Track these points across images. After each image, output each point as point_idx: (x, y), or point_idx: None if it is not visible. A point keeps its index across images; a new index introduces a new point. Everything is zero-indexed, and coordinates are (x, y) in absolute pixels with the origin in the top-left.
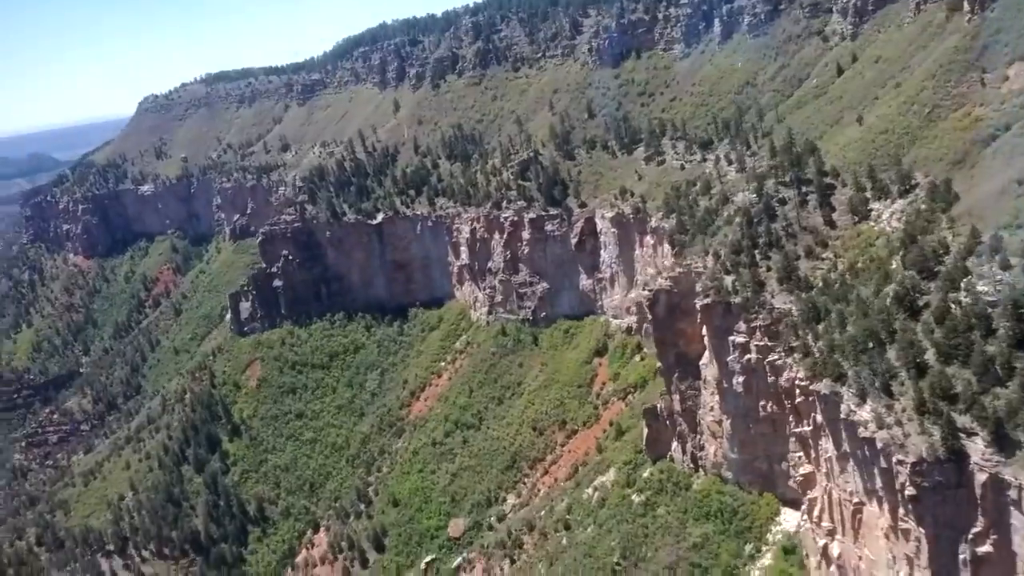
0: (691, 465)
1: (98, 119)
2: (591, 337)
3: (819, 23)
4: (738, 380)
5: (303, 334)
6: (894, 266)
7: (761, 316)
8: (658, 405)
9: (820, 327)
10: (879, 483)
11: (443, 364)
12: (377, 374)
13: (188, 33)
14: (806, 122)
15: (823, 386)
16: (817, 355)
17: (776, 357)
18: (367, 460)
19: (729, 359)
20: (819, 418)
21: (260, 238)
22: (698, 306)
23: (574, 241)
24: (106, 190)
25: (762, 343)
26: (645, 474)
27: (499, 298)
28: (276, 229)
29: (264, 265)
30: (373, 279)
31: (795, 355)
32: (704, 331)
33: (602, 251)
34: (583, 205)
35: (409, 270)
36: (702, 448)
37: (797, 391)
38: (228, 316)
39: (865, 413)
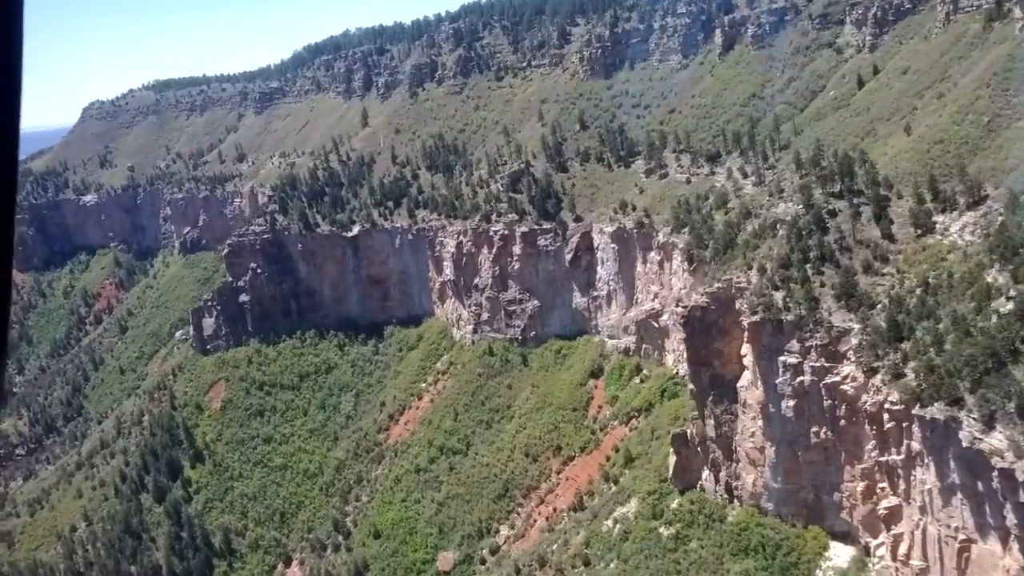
0: (725, 495)
1: (38, 127)
2: (585, 358)
3: (830, 35)
4: (788, 404)
5: (271, 353)
6: (992, 280)
7: (818, 335)
8: (688, 431)
9: (905, 346)
10: (1012, 519)
11: (424, 385)
12: (352, 396)
13: (136, 39)
14: (830, 134)
15: (934, 411)
16: (914, 377)
17: (836, 379)
18: (343, 488)
19: (778, 381)
20: (916, 446)
21: (226, 250)
22: (745, 324)
23: (568, 257)
24: (44, 200)
25: (818, 364)
26: (673, 505)
27: (485, 316)
28: (244, 240)
29: (230, 279)
30: (346, 295)
31: (881, 376)
32: (747, 351)
33: (598, 267)
34: (578, 219)
35: (385, 286)
36: (738, 477)
37: (886, 416)
38: (179, 334)
39: (996, 440)
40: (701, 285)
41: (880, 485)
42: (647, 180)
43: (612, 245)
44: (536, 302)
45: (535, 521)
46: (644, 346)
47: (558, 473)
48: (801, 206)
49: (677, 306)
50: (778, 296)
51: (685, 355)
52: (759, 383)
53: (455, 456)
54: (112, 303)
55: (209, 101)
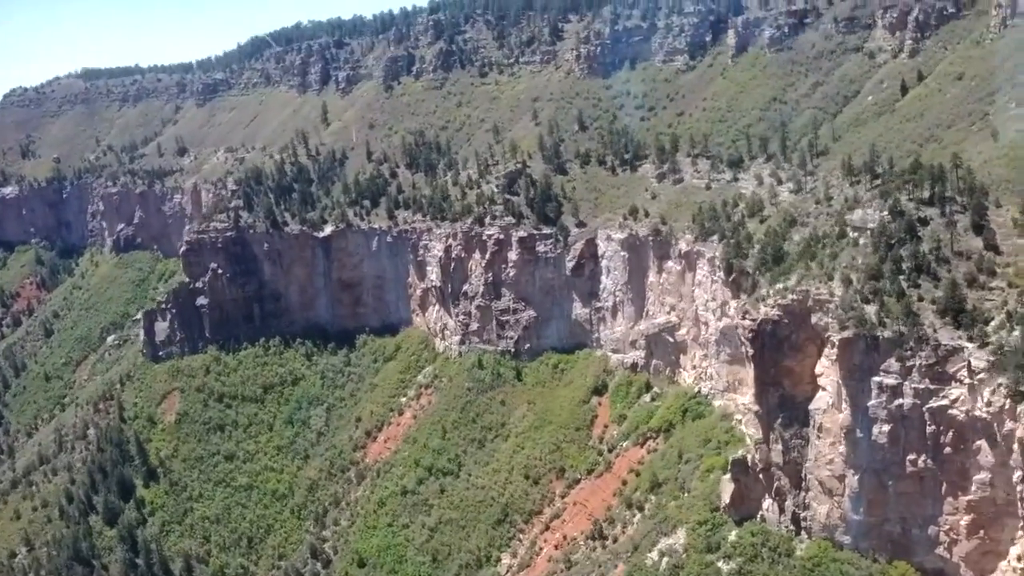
0: (791, 527)
1: None
2: (587, 373)
3: (856, 39)
4: (880, 429)
5: (231, 361)
6: None
7: (922, 354)
8: (748, 456)
9: None
10: None
11: (404, 400)
12: (322, 410)
13: (63, 23)
14: (880, 139)
15: None
16: None
17: (944, 402)
18: (318, 511)
19: (870, 404)
20: None
21: (184, 247)
22: (831, 340)
23: (570, 264)
24: None
25: (922, 385)
26: (731, 537)
27: (475, 326)
28: (204, 238)
29: (187, 279)
30: (315, 300)
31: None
32: (825, 369)
33: (603, 276)
34: (581, 224)
35: (358, 291)
36: (807, 507)
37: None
38: (111, 338)
39: None
40: (741, 297)
41: (961, 519)
42: (659, 185)
43: (622, 253)
44: (532, 312)
45: (541, 549)
46: (654, 362)
47: (563, 497)
48: (886, 213)
49: (744, 318)
50: (870, 310)
51: (752, 374)
52: (844, 405)
53: (446, 477)
54: (33, 304)
55: (143, 91)
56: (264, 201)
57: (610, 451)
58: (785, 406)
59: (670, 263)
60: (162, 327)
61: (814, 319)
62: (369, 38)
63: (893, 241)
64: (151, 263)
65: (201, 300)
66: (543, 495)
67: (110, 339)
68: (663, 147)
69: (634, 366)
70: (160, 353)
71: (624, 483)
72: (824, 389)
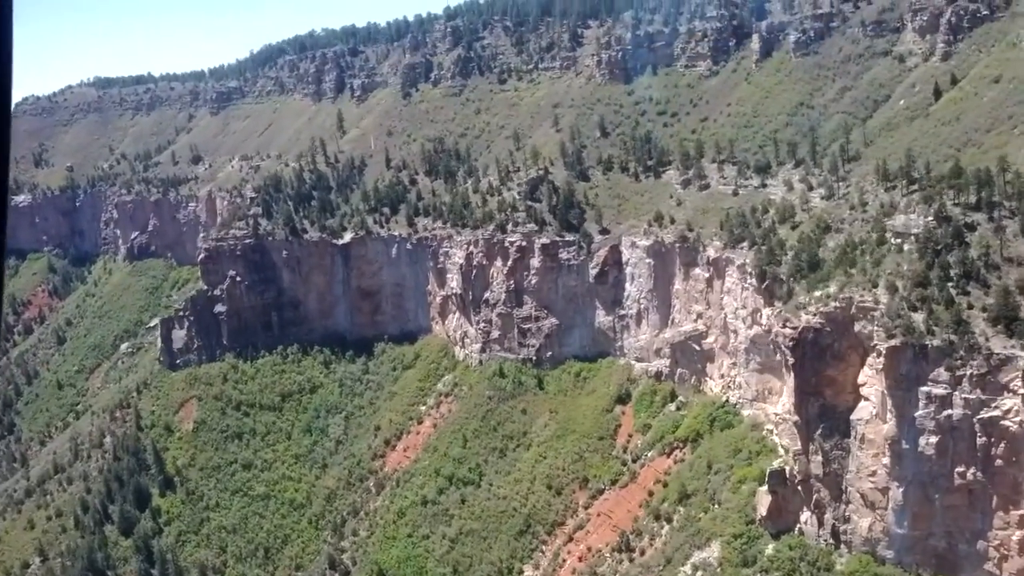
0: (830, 540)
1: None
2: (610, 382)
3: (885, 43)
4: (927, 440)
5: (249, 369)
6: None
7: (973, 363)
8: (787, 467)
9: None
10: None
11: (424, 409)
12: (341, 419)
13: (76, 32)
14: (915, 144)
15: None
16: None
17: (996, 413)
18: (336, 521)
19: (917, 414)
20: None
21: (202, 255)
22: (880, 349)
23: (594, 272)
24: None
25: (973, 396)
26: (768, 550)
27: (496, 334)
28: (223, 245)
29: (205, 287)
30: (333, 308)
31: None
32: (868, 379)
33: (627, 284)
34: (605, 231)
35: (377, 299)
36: (848, 520)
37: None
38: (124, 346)
39: None
40: (775, 305)
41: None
42: (684, 191)
43: (647, 260)
44: (554, 320)
45: (564, 561)
46: (679, 370)
47: (586, 508)
48: (931, 218)
49: (784, 326)
50: (918, 318)
51: (791, 383)
52: (889, 416)
53: (467, 487)
54: (45, 312)
55: (157, 100)
56: (283, 208)
57: (634, 461)
58: (826, 416)
59: (697, 270)
60: (179, 335)
61: (857, 327)
62: (384, 45)
63: (940, 247)
64: (165, 271)
65: (219, 308)
66: (566, 505)
67: (123, 347)
68: (687, 153)
69: (658, 375)
70: (177, 361)
71: (650, 494)
72: (867, 399)
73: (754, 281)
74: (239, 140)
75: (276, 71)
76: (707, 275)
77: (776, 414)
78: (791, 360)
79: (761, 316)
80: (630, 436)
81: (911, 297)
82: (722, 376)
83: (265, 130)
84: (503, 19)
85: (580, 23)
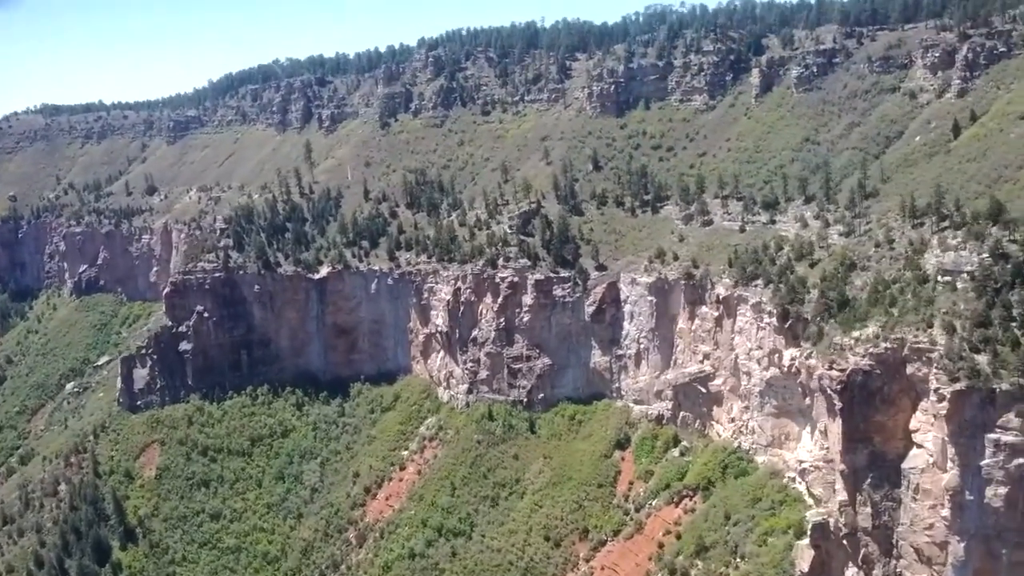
0: None
1: None
2: (607, 426)
3: (893, 79)
4: (996, 491)
5: (215, 411)
6: None
7: None
8: (831, 520)
9: None
10: None
11: (406, 454)
12: (316, 464)
13: (22, 58)
14: (938, 180)
15: None
16: None
17: None
18: (313, 575)
19: (985, 463)
20: None
21: (167, 289)
22: (944, 393)
23: (590, 309)
24: None
25: None
26: None
27: (484, 374)
28: (191, 279)
29: (169, 323)
30: (306, 346)
31: None
32: (922, 425)
33: (625, 323)
34: (602, 267)
35: (353, 336)
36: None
37: None
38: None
39: None
40: (803, 345)
41: None
42: (686, 227)
43: (648, 298)
44: (547, 360)
45: None
46: (683, 414)
47: (588, 561)
48: (986, 255)
49: (829, 368)
50: (982, 360)
51: (837, 429)
52: (950, 464)
53: (457, 539)
54: None
55: (108, 128)
56: (256, 240)
57: (638, 510)
58: (875, 465)
59: (704, 309)
60: (141, 374)
61: (910, 369)
62: (354, 76)
63: (999, 285)
64: (114, 306)
65: (184, 345)
66: (566, 558)
67: (69, 386)
68: (687, 188)
69: (659, 418)
70: (138, 402)
71: (661, 546)
72: (921, 446)
73: (774, 320)
74: (197, 170)
75: (237, 100)
76: (716, 314)
77: (801, 461)
78: (838, 405)
79: (782, 357)
80: (631, 483)
81: (972, 338)
82: (732, 420)
83: (226, 160)
84: (486, 50)
85: (568, 55)
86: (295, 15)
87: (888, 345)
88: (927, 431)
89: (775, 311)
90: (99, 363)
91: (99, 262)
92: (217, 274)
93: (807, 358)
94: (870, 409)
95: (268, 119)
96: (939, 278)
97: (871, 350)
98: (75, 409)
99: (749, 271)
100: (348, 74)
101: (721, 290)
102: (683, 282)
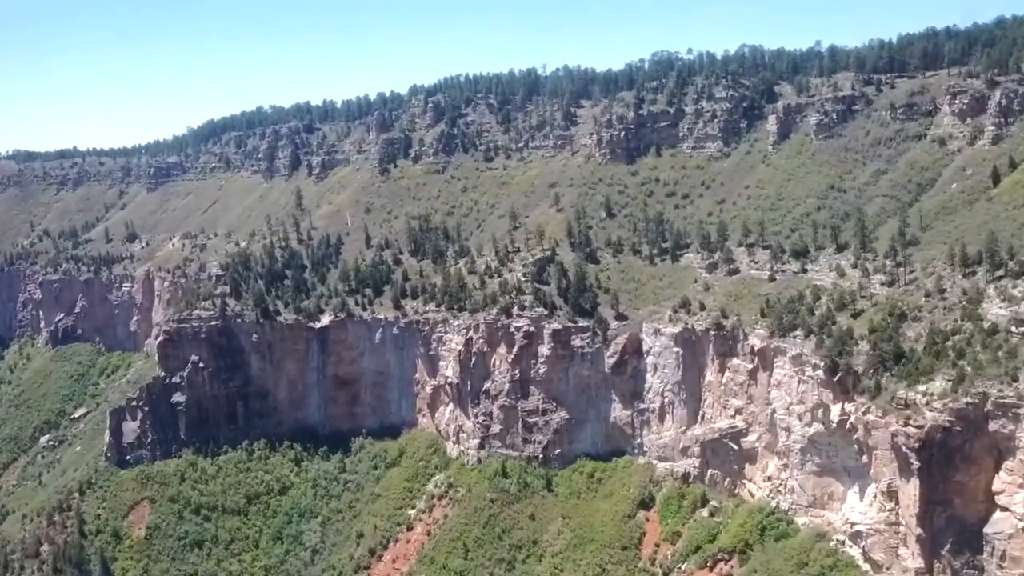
0: None
1: None
2: (630, 484)
3: (918, 126)
4: None
5: (209, 467)
6: None
7: None
8: None
9: None
10: None
11: (414, 513)
12: (317, 524)
13: None
14: (982, 228)
15: None
16: None
17: None
18: None
19: None
20: None
21: (160, 337)
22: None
23: (611, 361)
24: None
25: None
26: None
27: (497, 428)
28: (185, 327)
29: (162, 373)
30: (305, 398)
31: None
32: (1009, 486)
33: (648, 375)
34: (622, 317)
35: (355, 388)
36: None
37: None
38: (44, 439)
39: None
40: (857, 400)
41: None
42: (711, 276)
43: (674, 349)
44: (564, 414)
45: None
46: (711, 471)
47: None
48: None
49: (905, 424)
50: None
51: (913, 491)
52: None
53: None
54: None
55: (85, 175)
56: (254, 288)
57: (667, 574)
58: (955, 529)
59: (736, 361)
60: (130, 427)
61: (993, 426)
62: (344, 123)
63: None
64: (92, 356)
65: (177, 397)
66: None
67: (43, 439)
68: (707, 236)
69: (686, 476)
70: (127, 457)
71: None
72: (1006, 509)
73: (820, 373)
74: (179, 217)
75: (221, 147)
76: (750, 366)
77: (851, 523)
78: (915, 464)
79: (829, 412)
80: (658, 546)
81: None
82: (768, 479)
83: (210, 207)
84: (487, 97)
85: (573, 102)
86: (279, 63)
87: (969, 400)
88: (1013, 493)
89: (821, 363)
90: (76, 415)
91: (76, 310)
92: (213, 322)
93: (864, 413)
94: (950, 469)
95: (254, 166)
96: (1013, 328)
97: (950, 405)
98: (50, 463)
99: (786, 321)
100: (337, 121)
101: (756, 341)
102: (712, 333)
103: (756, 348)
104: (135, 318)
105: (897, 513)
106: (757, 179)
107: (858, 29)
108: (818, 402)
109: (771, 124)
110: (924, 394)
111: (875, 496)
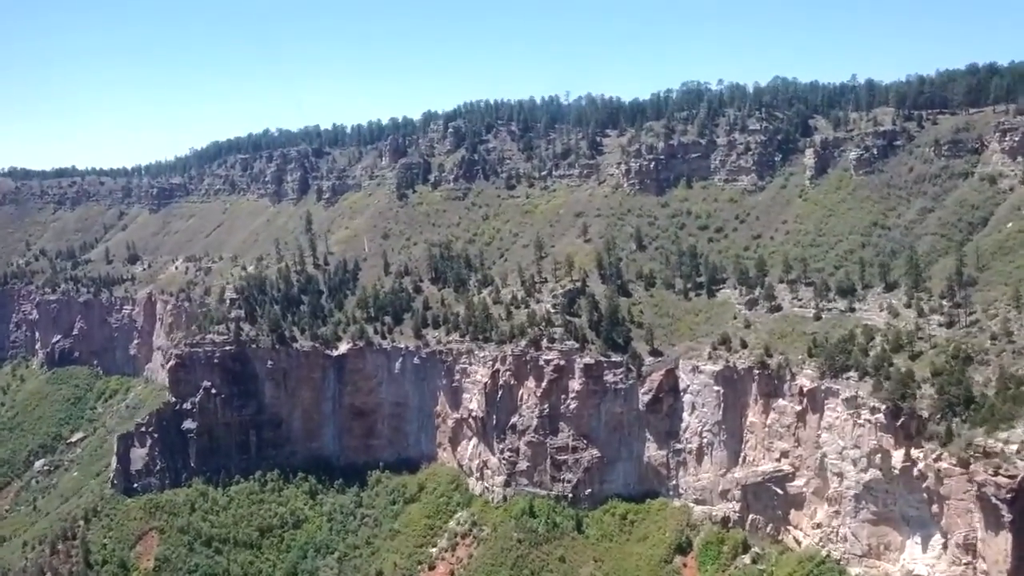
0: None
1: None
2: (665, 527)
3: (964, 163)
4: None
5: (220, 497)
6: None
7: None
8: None
9: None
10: None
11: (435, 551)
12: (333, 560)
13: None
14: None
15: None
16: None
17: None
18: None
19: None
20: None
21: (172, 361)
22: None
23: (645, 398)
24: None
25: None
26: None
27: (524, 465)
28: (198, 352)
29: (172, 399)
30: (320, 428)
31: None
32: None
33: (685, 414)
34: (657, 353)
35: (372, 419)
36: None
37: None
38: (39, 464)
39: None
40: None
41: None
42: (751, 313)
43: (715, 388)
44: (595, 452)
45: None
46: (752, 516)
47: None
48: None
49: (996, 475)
50: None
51: (1003, 544)
52: None
53: None
54: None
55: (83, 194)
56: (270, 313)
57: None
58: None
59: (782, 402)
60: (139, 454)
61: None
62: (355, 148)
63: None
64: (89, 380)
65: (188, 424)
66: None
67: (38, 464)
68: (745, 271)
69: (725, 521)
70: (135, 485)
71: None
72: None
73: (880, 417)
74: (182, 240)
75: (226, 169)
76: (798, 408)
77: (914, 575)
78: (1007, 516)
79: (889, 458)
80: None
81: None
82: (818, 526)
83: (214, 230)
84: (508, 123)
85: (598, 131)
86: (286, 87)
87: None
88: None
89: (882, 407)
90: (72, 440)
91: (75, 332)
92: (227, 347)
93: (936, 460)
94: None
95: (261, 189)
96: None
97: None
98: (45, 489)
99: (838, 362)
100: (347, 146)
101: (805, 382)
102: (756, 372)
103: (805, 389)
104: (135, 342)
105: (975, 567)
106: (795, 214)
107: (891, 64)
108: (877, 447)
109: (808, 158)
110: (1005, 442)
111: (944, 548)
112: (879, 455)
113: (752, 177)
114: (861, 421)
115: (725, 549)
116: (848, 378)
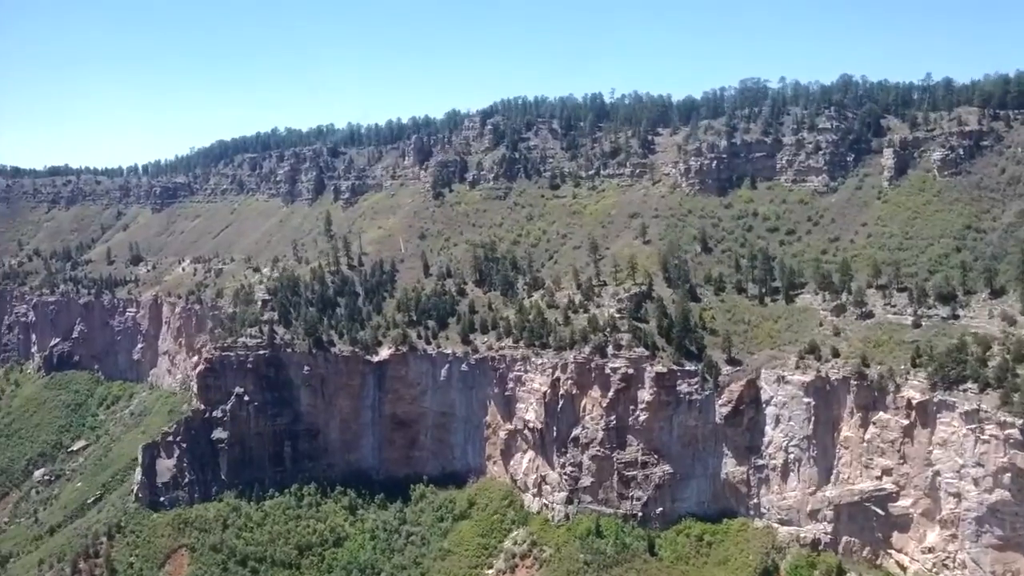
0: None
1: None
2: (747, 550)
3: None
4: None
5: (255, 513)
6: None
7: None
8: None
9: None
10: None
11: (492, 573)
12: None
13: None
14: None
15: None
16: None
17: None
18: None
19: None
20: None
21: (201, 366)
22: None
23: (723, 410)
24: None
25: None
26: None
27: (588, 481)
28: (229, 356)
29: (201, 406)
30: (359, 439)
31: None
32: None
33: (768, 427)
34: (734, 361)
35: (414, 430)
36: None
37: None
38: (38, 473)
39: None
40: None
41: None
42: (839, 320)
43: (804, 399)
44: (667, 467)
45: None
46: (846, 538)
47: None
48: None
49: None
50: None
51: None
52: None
53: None
54: None
55: (79, 193)
56: (306, 315)
57: None
58: None
59: (885, 415)
60: (166, 465)
61: None
62: (375, 147)
63: None
64: (90, 385)
65: (218, 433)
66: None
67: (38, 473)
68: (827, 275)
69: (815, 543)
70: (162, 499)
71: None
72: None
73: (1012, 432)
74: (188, 240)
75: (233, 169)
76: (904, 422)
77: None
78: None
79: (1021, 477)
80: None
81: None
82: (930, 550)
83: (222, 231)
84: (549, 121)
85: (649, 129)
86: (296, 86)
87: None
88: None
89: (1017, 423)
90: (74, 448)
91: (74, 335)
92: (261, 352)
93: None
94: None
95: (272, 189)
96: None
97: None
98: (46, 500)
99: (954, 373)
100: (365, 145)
101: (913, 394)
102: (853, 382)
103: (914, 401)
104: (139, 345)
105: None
106: (875, 216)
107: (961, 65)
108: (1006, 465)
109: (886, 159)
110: None
111: None
112: (1008, 474)
113: (823, 178)
114: (985, 437)
115: (817, 574)
116: (965, 390)
